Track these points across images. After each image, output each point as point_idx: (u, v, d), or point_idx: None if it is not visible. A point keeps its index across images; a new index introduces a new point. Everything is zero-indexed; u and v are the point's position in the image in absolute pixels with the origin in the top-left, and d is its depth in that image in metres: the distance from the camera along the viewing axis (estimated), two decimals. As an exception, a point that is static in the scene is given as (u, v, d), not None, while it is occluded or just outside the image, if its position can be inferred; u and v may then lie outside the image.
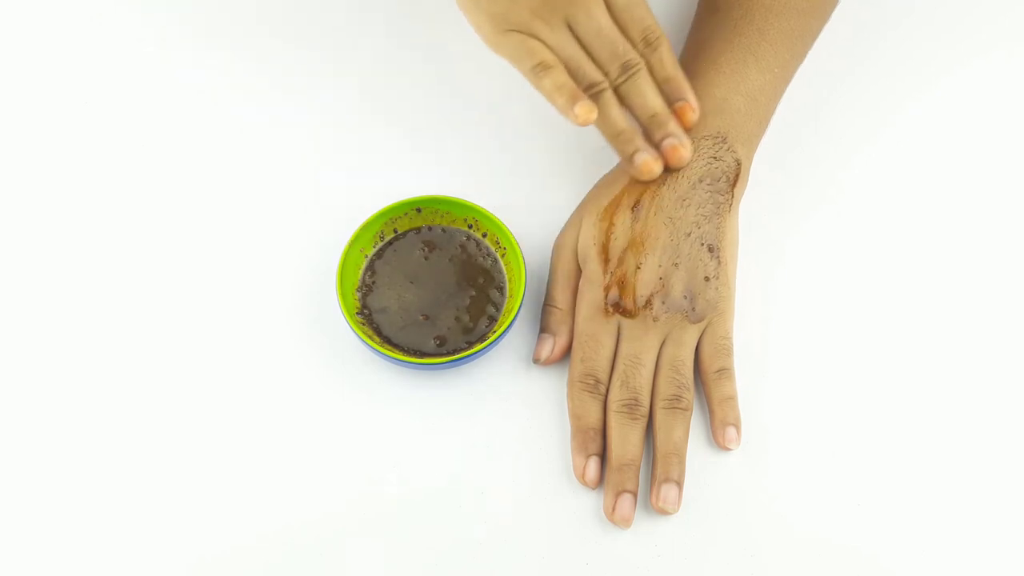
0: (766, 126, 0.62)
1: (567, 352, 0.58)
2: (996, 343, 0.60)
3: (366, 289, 0.58)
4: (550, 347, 0.58)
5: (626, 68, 0.55)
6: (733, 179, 0.59)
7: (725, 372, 0.57)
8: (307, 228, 0.62)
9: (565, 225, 0.61)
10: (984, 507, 0.55)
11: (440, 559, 0.54)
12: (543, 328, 0.59)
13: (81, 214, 0.63)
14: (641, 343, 0.56)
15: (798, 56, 0.63)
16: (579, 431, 0.56)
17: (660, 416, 0.56)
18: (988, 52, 0.70)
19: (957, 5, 0.71)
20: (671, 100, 0.57)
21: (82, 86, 0.67)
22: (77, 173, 0.64)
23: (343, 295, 0.56)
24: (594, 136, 0.60)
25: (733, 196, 0.59)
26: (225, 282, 0.61)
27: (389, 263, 0.59)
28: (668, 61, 0.56)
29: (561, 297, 0.59)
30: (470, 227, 0.60)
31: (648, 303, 0.56)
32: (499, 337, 0.56)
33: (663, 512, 0.54)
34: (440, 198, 0.59)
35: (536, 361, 0.58)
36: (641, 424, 0.55)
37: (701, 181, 0.58)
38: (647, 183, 0.58)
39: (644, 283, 0.56)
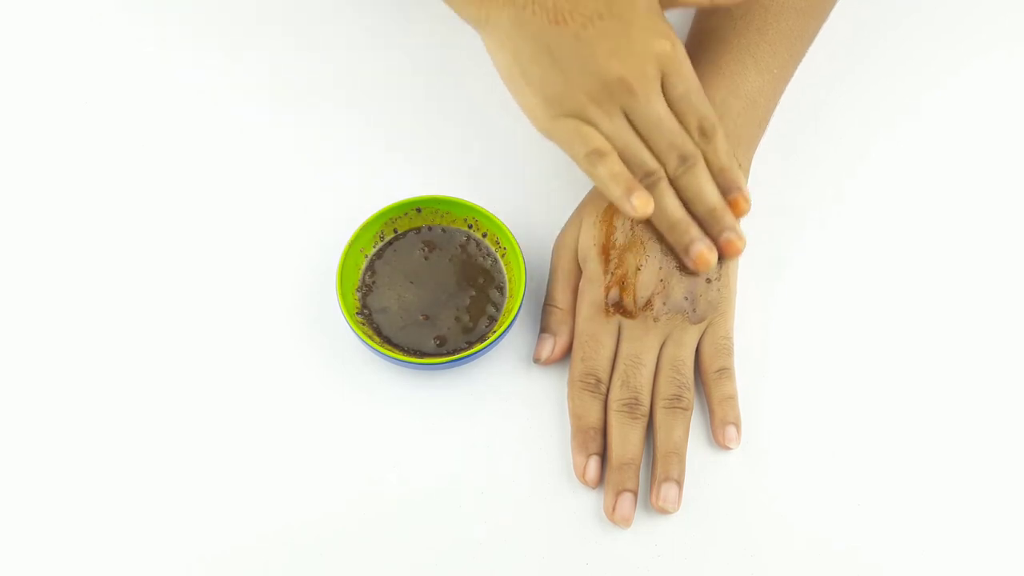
0: (765, 127, 0.62)
1: (567, 352, 0.58)
2: (996, 343, 0.60)
3: (366, 289, 0.58)
4: (550, 347, 0.58)
5: (684, 159, 0.53)
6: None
7: (725, 372, 0.57)
8: (307, 228, 0.62)
9: (565, 225, 0.61)
10: (984, 507, 0.55)
11: (440, 559, 0.54)
12: (543, 328, 0.59)
13: (81, 214, 0.63)
14: (641, 343, 0.56)
15: (797, 56, 0.63)
16: (579, 431, 0.56)
17: (660, 416, 0.56)
18: (988, 52, 0.70)
19: (957, 5, 0.71)
20: (725, 191, 0.55)
21: (82, 86, 0.67)
22: (77, 173, 0.64)
23: (343, 295, 0.56)
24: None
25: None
26: (225, 282, 0.61)
27: (389, 263, 0.59)
28: (722, 151, 0.54)
29: (561, 297, 0.59)
30: (470, 227, 0.60)
31: (648, 303, 0.56)
32: (499, 337, 0.56)
33: (663, 511, 0.54)
34: (440, 198, 0.59)
35: (536, 361, 0.58)
36: (641, 424, 0.55)
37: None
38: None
39: (644, 283, 0.56)
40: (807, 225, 0.64)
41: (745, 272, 0.60)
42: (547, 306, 0.59)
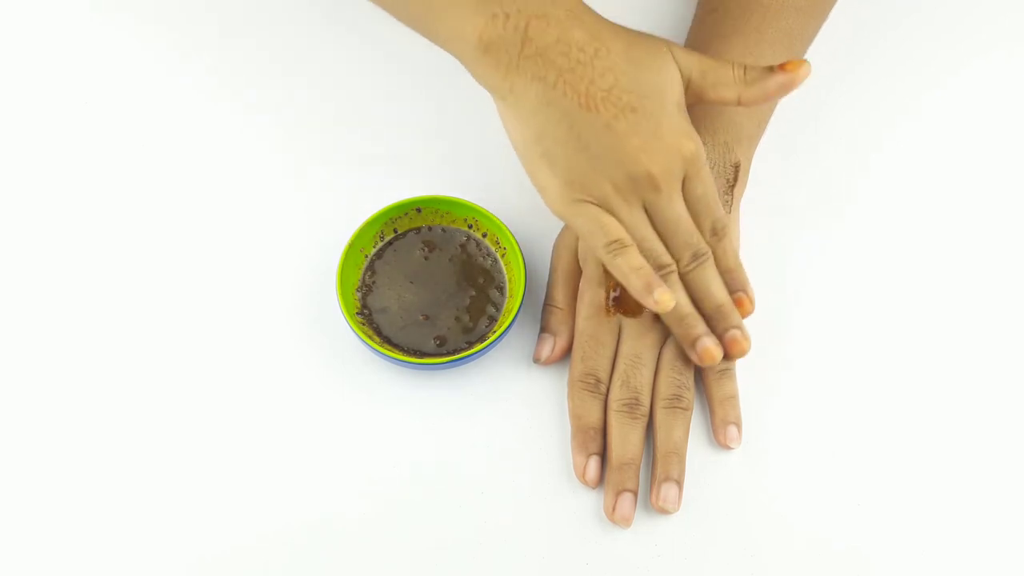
0: (765, 126, 0.62)
1: (567, 352, 0.58)
2: (996, 342, 0.60)
3: (366, 289, 0.58)
4: (550, 347, 0.58)
5: (696, 257, 0.54)
6: (732, 180, 0.59)
7: (726, 372, 0.57)
8: (307, 228, 0.62)
9: (565, 225, 0.61)
10: (984, 507, 0.55)
11: (440, 559, 0.54)
12: (543, 328, 0.59)
13: (81, 214, 0.63)
14: (642, 343, 0.56)
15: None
16: (579, 430, 0.56)
17: (660, 416, 0.56)
18: (988, 52, 0.70)
19: (957, 5, 0.71)
20: (731, 290, 0.56)
21: (82, 86, 0.67)
22: (77, 173, 0.64)
23: (343, 295, 0.56)
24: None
25: (732, 197, 0.59)
26: (225, 283, 0.61)
27: (389, 263, 0.59)
28: (731, 253, 0.56)
29: (561, 297, 0.59)
30: (470, 227, 0.60)
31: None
32: (499, 337, 0.56)
33: (663, 511, 0.54)
34: (440, 198, 0.59)
35: (536, 361, 0.58)
36: (641, 423, 0.55)
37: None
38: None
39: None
40: (807, 225, 0.64)
41: (746, 271, 0.60)
42: (547, 306, 0.59)
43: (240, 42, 0.69)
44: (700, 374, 0.58)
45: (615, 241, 0.52)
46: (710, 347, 0.55)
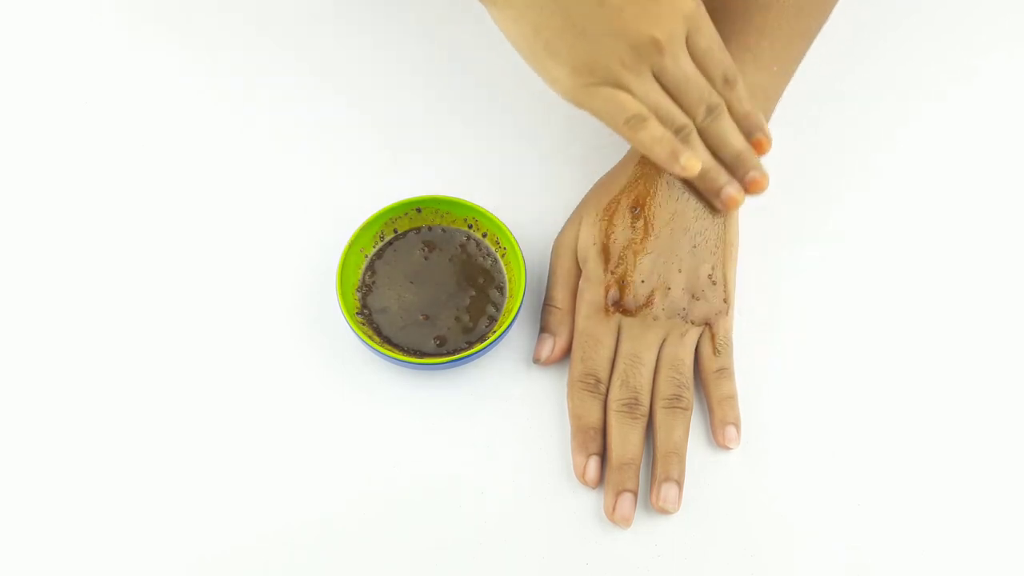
0: (765, 125, 0.62)
1: (567, 352, 0.58)
2: (995, 342, 0.60)
3: (366, 289, 0.58)
4: (550, 347, 0.58)
5: (711, 110, 0.54)
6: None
7: (725, 371, 0.57)
8: (307, 228, 0.62)
9: (565, 225, 0.61)
10: (984, 507, 0.55)
11: (440, 559, 0.54)
12: (543, 328, 0.59)
13: (81, 214, 0.63)
14: (641, 342, 0.56)
15: (798, 55, 0.63)
16: (579, 430, 0.56)
17: (660, 415, 0.56)
18: (988, 53, 0.70)
19: (957, 5, 0.71)
20: (748, 133, 0.56)
21: (82, 86, 0.67)
22: (77, 173, 0.64)
23: (343, 295, 0.56)
24: (593, 136, 0.60)
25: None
26: (225, 282, 0.61)
27: (389, 263, 0.59)
28: (744, 97, 0.56)
29: (561, 297, 0.59)
30: (470, 227, 0.60)
31: (648, 302, 0.56)
32: (499, 337, 0.56)
33: (663, 511, 0.54)
34: (440, 198, 0.59)
35: (536, 361, 0.58)
36: (641, 423, 0.55)
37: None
38: (646, 183, 0.58)
39: (643, 282, 0.56)
40: (807, 224, 0.64)
41: (745, 271, 0.60)
42: (547, 306, 0.60)
43: (240, 42, 0.69)
44: (699, 374, 0.58)
45: (633, 116, 0.52)
46: (733, 194, 0.56)
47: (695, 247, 0.57)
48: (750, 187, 0.56)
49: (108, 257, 0.61)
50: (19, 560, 0.53)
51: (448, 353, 0.56)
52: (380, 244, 0.59)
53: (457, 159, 0.65)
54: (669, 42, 0.52)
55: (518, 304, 0.56)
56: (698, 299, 0.57)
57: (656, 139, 0.52)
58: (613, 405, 0.56)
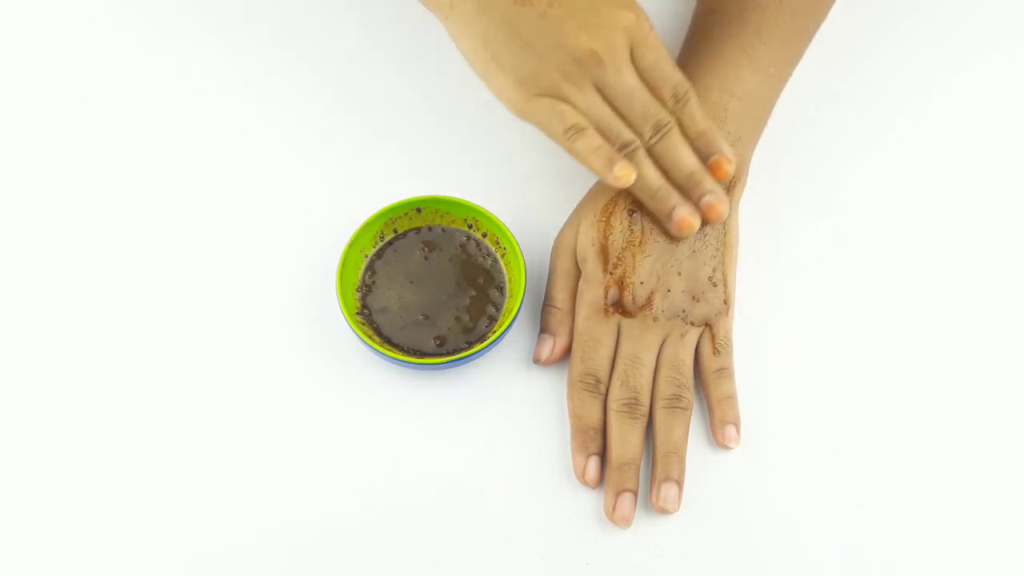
0: (763, 126, 0.62)
1: (567, 352, 0.58)
2: (995, 342, 0.60)
3: (366, 289, 0.58)
4: (550, 347, 0.58)
5: (658, 127, 0.54)
6: (731, 180, 0.59)
7: (725, 371, 0.57)
8: (307, 228, 0.62)
9: (564, 225, 0.61)
10: (984, 507, 0.55)
11: (440, 559, 0.54)
12: (543, 328, 0.59)
13: (81, 214, 0.63)
14: (641, 342, 0.56)
15: (795, 56, 0.63)
16: (579, 431, 0.56)
17: (660, 415, 0.56)
18: (988, 53, 0.70)
19: (957, 6, 0.71)
20: (705, 155, 0.55)
21: (82, 86, 0.67)
22: (77, 173, 0.64)
23: (343, 295, 0.56)
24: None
25: (731, 196, 0.59)
26: (225, 282, 0.61)
27: (389, 263, 0.59)
28: (699, 115, 0.55)
29: (561, 297, 0.59)
30: (470, 227, 0.60)
31: (648, 302, 0.56)
32: (499, 337, 0.56)
33: (663, 511, 0.54)
34: (440, 198, 0.59)
35: (536, 361, 0.58)
36: (641, 423, 0.55)
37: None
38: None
39: (643, 283, 0.56)
40: (807, 224, 0.64)
41: (744, 271, 0.60)
42: (546, 306, 0.60)
43: (240, 42, 0.69)
44: (699, 374, 0.58)
45: (571, 127, 0.52)
46: (685, 216, 0.54)
47: (694, 250, 0.57)
48: (706, 212, 0.55)
49: (108, 257, 0.61)
50: (19, 560, 0.53)
51: (448, 353, 0.56)
52: (380, 244, 0.59)
53: (457, 159, 0.65)
54: (610, 55, 0.52)
55: (518, 304, 0.56)
56: (698, 300, 0.57)
57: (592, 149, 0.52)
58: (613, 405, 0.56)
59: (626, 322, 0.57)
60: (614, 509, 0.54)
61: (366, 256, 0.59)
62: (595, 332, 0.57)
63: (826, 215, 0.64)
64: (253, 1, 0.71)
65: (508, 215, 0.59)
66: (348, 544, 0.54)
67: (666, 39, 0.59)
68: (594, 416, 0.56)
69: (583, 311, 0.58)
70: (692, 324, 0.57)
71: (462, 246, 0.60)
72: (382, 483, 0.55)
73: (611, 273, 0.57)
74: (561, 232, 0.61)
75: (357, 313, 0.57)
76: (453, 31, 0.54)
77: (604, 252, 0.57)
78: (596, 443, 0.56)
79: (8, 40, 0.69)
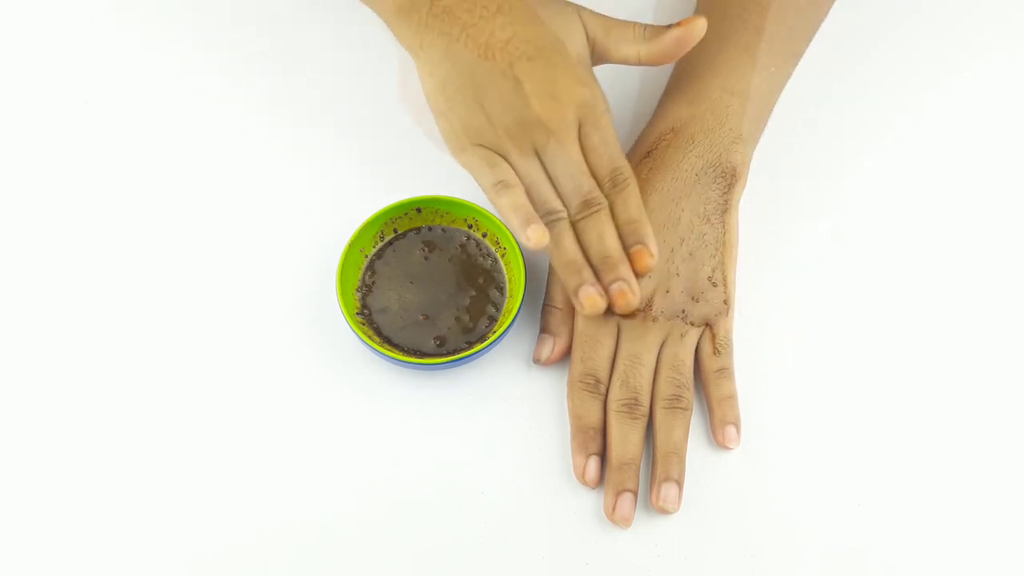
0: (764, 125, 0.62)
1: (567, 353, 0.58)
2: (995, 342, 0.60)
3: (366, 289, 0.58)
4: (550, 347, 0.58)
5: (587, 205, 0.54)
6: (730, 180, 0.59)
7: (725, 371, 0.57)
8: (307, 228, 0.62)
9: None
10: (984, 507, 0.55)
11: (440, 559, 0.54)
12: (543, 328, 0.59)
13: (81, 214, 0.63)
14: (641, 342, 0.56)
15: (795, 54, 0.63)
16: (579, 431, 0.56)
17: (660, 416, 0.56)
18: (988, 53, 0.70)
19: (957, 6, 0.71)
20: (629, 243, 0.55)
21: (82, 86, 0.67)
22: (77, 173, 0.64)
23: (343, 295, 0.56)
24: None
25: (731, 196, 0.59)
26: (225, 282, 0.61)
27: (389, 263, 0.59)
28: (633, 204, 0.55)
29: (561, 297, 0.59)
30: (470, 227, 0.60)
31: (648, 303, 0.56)
32: (499, 337, 0.56)
33: (663, 511, 0.54)
34: (440, 198, 0.59)
35: (536, 361, 0.58)
36: (641, 424, 0.55)
37: (698, 183, 0.58)
38: (646, 184, 0.58)
39: (644, 283, 0.56)
40: (807, 224, 0.64)
41: (744, 271, 0.60)
42: (547, 306, 0.59)
43: (240, 42, 0.69)
44: (699, 374, 0.58)
45: (500, 181, 0.53)
46: (593, 295, 0.54)
47: (693, 251, 0.57)
48: (614, 298, 0.54)
49: (108, 257, 0.61)
50: (19, 560, 0.53)
51: (448, 353, 0.56)
52: (380, 244, 0.59)
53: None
54: (556, 125, 0.53)
55: (518, 304, 0.56)
56: (698, 300, 0.57)
57: (514, 206, 0.53)
58: (613, 405, 0.56)
59: (626, 322, 0.57)
60: (614, 509, 0.54)
61: (366, 256, 0.59)
62: (595, 332, 0.57)
63: (826, 215, 0.64)
64: (253, 1, 0.70)
65: (508, 215, 0.59)
66: (348, 544, 0.54)
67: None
68: (594, 416, 0.56)
69: (583, 311, 0.58)
70: (692, 324, 0.57)
71: (462, 246, 0.60)
72: (382, 483, 0.55)
73: (611, 273, 0.57)
74: (561, 232, 0.61)
75: (357, 313, 0.57)
76: (420, 72, 0.55)
77: (604, 252, 0.57)
78: (596, 443, 0.56)
79: (8, 40, 0.69)
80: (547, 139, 0.53)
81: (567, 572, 0.53)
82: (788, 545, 0.54)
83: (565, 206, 0.54)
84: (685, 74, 0.61)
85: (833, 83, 0.68)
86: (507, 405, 0.58)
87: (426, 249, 0.59)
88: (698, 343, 0.58)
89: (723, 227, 0.58)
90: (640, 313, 0.56)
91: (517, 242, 0.58)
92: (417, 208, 0.59)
